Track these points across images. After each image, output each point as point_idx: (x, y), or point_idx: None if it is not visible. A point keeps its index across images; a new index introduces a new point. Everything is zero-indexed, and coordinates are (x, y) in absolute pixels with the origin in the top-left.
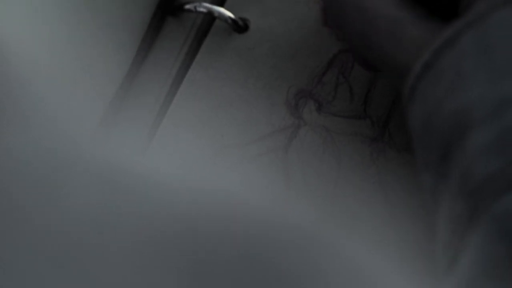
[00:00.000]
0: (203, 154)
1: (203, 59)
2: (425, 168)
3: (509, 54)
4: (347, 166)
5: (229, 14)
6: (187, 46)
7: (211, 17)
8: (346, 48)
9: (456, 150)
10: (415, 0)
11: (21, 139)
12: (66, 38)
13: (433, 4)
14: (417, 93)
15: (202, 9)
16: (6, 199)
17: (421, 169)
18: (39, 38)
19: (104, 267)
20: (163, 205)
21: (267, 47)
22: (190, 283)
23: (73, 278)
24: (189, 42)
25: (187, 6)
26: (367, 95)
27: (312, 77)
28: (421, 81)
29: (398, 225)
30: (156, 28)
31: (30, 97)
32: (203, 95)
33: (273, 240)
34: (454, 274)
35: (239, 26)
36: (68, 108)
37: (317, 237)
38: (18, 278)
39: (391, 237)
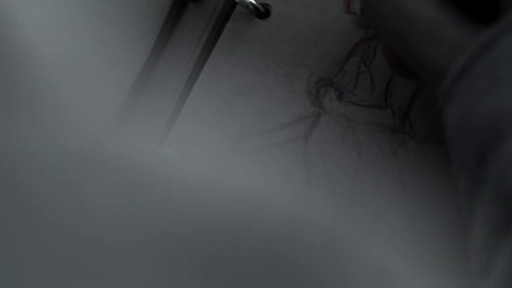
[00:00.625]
0: (223, 142)
1: (224, 46)
2: (461, 171)
3: None
4: (366, 156)
5: None
6: (207, 32)
7: (232, 2)
8: (368, 36)
9: (493, 154)
10: (454, 2)
11: (38, 135)
12: (85, 25)
13: (473, 7)
14: (453, 96)
15: None
16: (23, 198)
17: (457, 172)
18: (58, 25)
19: (122, 265)
20: (182, 204)
21: (288, 34)
22: (210, 283)
23: (90, 276)
24: (209, 28)
25: None
26: (388, 84)
27: (333, 65)
28: (458, 84)
29: (416, 218)
30: (177, 14)
31: (49, 89)
32: (223, 82)
33: (295, 239)
34: (488, 280)
35: (261, 12)
36: (88, 96)
37: (338, 236)
38: (35, 277)
39: (408, 229)
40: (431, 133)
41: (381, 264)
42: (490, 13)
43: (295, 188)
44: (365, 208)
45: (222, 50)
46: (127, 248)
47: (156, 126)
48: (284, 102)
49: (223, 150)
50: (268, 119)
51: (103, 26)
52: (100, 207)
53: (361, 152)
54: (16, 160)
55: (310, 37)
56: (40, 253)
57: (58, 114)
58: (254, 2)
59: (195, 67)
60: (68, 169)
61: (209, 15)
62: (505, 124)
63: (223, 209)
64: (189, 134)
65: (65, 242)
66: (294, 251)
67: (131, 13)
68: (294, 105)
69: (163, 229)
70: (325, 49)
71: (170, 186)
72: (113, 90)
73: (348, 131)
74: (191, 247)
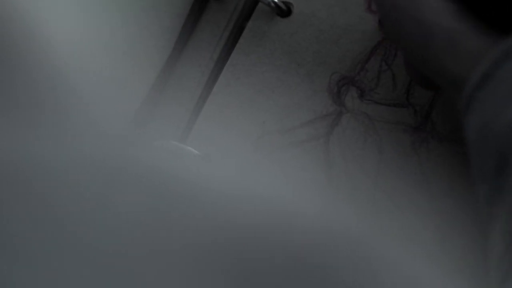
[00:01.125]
0: (244, 140)
1: (245, 44)
2: (481, 179)
3: None
4: (388, 155)
5: None
6: (229, 30)
7: (253, 0)
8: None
9: None
10: (473, 13)
11: (60, 140)
12: (107, 21)
13: (492, 17)
14: (474, 103)
15: None
16: (45, 205)
17: (476, 180)
18: (78, 20)
19: (152, 275)
20: (212, 212)
21: (310, 32)
22: None
23: (122, 285)
24: (231, 26)
25: None
26: (410, 83)
27: (355, 63)
28: (479, 91)
29: (437, 216)
30: (198, 12)
31: (68, 89)
32: (244, 80)
33: (327, 248)
34: None
35: (282, 10)
36: (107, 95)
37: (369, 244)
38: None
39: (429, 228)
40: (452, 132)
41: (415, 274)
42: (509, 22)
43: (322, 194)
44: (386, 207)
45: (243, 48)
46: (160, 257)
47: (177, 124)
48: (305, 101)
49: (244, 148)
50: (289, 117)
51: (124, 23)
52: (133, 217)
53: (382, 151)
54: (35, 165)
55: (331, 35)
56: (74, 263)
57: (78, 114)
58: (275, 0)
59: (216, 66)
60: (97, 180)
61: (230, 13)
62: None
63: (255, 218)
64: (210, 132)
65: (88, 251)
66: (327, 259)
67: (152, 10)
68: (315, 103)
69: (194, 239)
70: (346, 48)
71: (197, 192)
72: (133, 88)
73: (369, 130)
74: (224, 256)
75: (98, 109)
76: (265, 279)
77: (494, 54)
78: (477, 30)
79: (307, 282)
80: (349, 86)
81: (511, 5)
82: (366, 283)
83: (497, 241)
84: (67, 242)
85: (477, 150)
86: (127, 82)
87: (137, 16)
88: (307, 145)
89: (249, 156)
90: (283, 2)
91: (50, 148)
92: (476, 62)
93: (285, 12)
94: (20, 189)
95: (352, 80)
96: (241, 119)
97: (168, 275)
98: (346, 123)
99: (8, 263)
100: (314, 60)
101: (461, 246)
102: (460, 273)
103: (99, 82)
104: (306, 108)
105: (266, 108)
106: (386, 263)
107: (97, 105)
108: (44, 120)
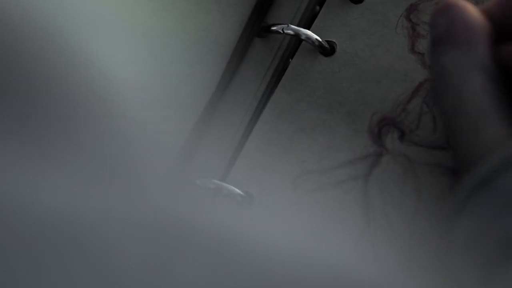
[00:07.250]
0: (283, 179)
1: (288, 82)
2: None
3: None
4: (427, 197)
5: (316, 36)
6: (272, 68)
7: (297, 39)
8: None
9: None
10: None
11: (119, 191)
12: (150, 61)
13: None
14: (467, 207)
15: (289, 31)
16: (112, 269)
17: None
18: (124, 57)
19: None
20: (283, 277)
21: (352, 72)
22: None
23: None
24: (275, 64)
25: (274, 28)
26: None
27: (396, 104)
28: (474, 195)
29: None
30: (243, 49)
31: (125, 132)
32: (286, 118)
33: None
34: None
35: (325, 49)
36: (152, 131)
37: None
38: None
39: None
40: None
41: None
42: None
43: (355, 231)
44: (424, 250)
45: (285, 86)
46: None
47: (218, 162)
48: (345, 140)
49: (283, 187)
50: (329, 157)
51: (169, 60)
52: (198, 277)
53: (421, 193)
54: (98, 220)
55: (374, 76)
56: None
57: (127, 151)
58: (319, 39)
59: (259, 104)
60: (154, 231)
61: (275, 51)
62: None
63: (322, 282)
64: (251, 170)
65: None
66: None
67: (197, 48)
68: (355, 143)
69: None
70: (388, 89)
71: (263, 255)
72: (178, 125)
73: (408, 172)
74: None
75: (141, 148)
76: None
77: (495, 159)
78: (503, 118)
79: None
80: (390, 127)
81: None
82: None
83: None
84: None
85: (464, 254)
86: (172, 119)
87: (180, 54)
88: (346, 185)
89: (288, 195)
90: (327, 41)
91: (113, 201)
92: (488, 154)
93: (328, 51)
94: (85, 245)
95: (393, 121)
96: (281, 157)
97: None
98: (386, 164)
99: None
100: (355, 99)
101: None
102: None
103: (142, 121)
104: (346, 148)
105: (306, 147)
106: None
107: (140, 145)
108: (105, 168)
